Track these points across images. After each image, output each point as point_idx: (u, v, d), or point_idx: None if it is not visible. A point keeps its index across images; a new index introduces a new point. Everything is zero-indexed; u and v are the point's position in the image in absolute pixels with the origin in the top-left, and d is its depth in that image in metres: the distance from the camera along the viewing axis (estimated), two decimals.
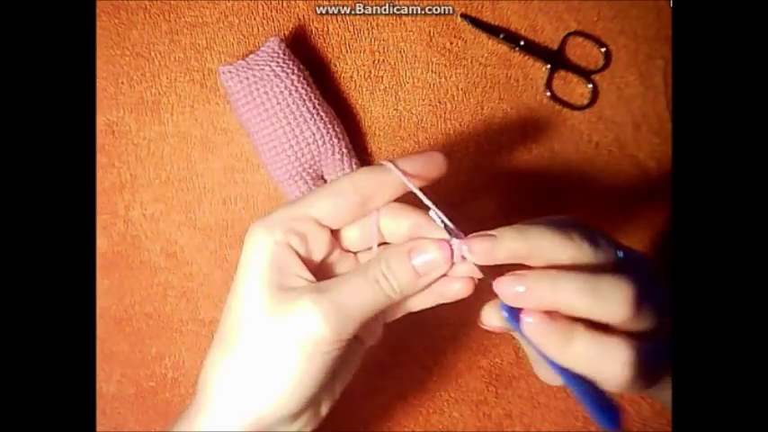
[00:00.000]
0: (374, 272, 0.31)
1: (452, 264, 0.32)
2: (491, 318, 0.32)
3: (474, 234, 0.31)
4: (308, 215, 0.32)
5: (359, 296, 0.30)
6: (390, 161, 0.32)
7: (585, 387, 0.29)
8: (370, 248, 0.34)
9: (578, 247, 0.29)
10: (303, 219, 0.32)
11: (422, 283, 0.32)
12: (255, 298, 0.31)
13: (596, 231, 0.31)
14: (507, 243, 0.30)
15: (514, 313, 0.30)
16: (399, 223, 0.33)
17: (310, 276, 0.31)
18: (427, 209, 0.32)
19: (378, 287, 0.31)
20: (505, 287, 0.30)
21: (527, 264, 0.31)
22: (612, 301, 0.28)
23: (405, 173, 0.32)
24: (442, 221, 0.31)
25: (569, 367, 0.29)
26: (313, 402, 0.31)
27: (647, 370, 0.29)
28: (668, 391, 0.32)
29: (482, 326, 0.33)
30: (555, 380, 0.31)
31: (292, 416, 0.31)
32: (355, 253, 0.35)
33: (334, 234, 0.34)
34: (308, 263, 0.32)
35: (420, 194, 0.32)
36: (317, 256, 0.33)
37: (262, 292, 0.31)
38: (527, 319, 0.29)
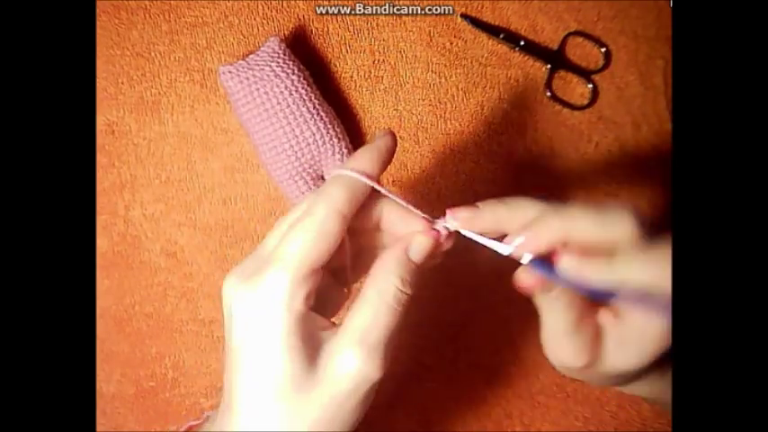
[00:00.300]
0: (393, 293, 0.30)
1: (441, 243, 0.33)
2: (526, 277, 0.31)
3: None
4: (311, 270, 0.30)
5: (389, 324, 0.30)
6: (348, 168, 0.31)
7: (639, 295, 0.30)
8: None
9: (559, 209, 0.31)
10: (309, 275, 0.30)
11: (421, 270, 0.32)
12: (287, 372, 0.29)
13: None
14: (489, 208, 0.31)
15: (545, 265, 0.30)
16: (369, 214, 0.33)
17: (326, 322, 0.31)
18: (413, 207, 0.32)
19: (398, 305, 0.30)
20: (525, 242, 0.31)
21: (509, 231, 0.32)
22: (619, 220, 0.30)
23: (369, 176, 0.31)
24: (423, 214, 0.32)
25: (620, 282, 0.30)
26: None
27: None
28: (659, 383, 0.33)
29: (521, 289, 0.32)
30: (571, 359, 0.32)
31: None
32: None
33: None
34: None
35: (391, 195, 0.32)
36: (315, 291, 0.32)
37: (294, 364, 0.29)
38: (566, 258, 0.30)
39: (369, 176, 0.31)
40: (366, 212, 0.32)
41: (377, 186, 0.31)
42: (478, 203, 0.32)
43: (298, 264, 0.29)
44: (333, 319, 0.32)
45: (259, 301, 0.29)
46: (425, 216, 0.32)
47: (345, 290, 0.36)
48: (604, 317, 0.32)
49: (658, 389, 0.35)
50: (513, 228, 0.32)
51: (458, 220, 0.32)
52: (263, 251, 0.31)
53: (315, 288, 0.30)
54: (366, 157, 0.32)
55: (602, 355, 0.32)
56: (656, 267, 0.29)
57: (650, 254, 0.30)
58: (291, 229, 0.30)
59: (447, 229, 0.32)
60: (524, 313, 0.51)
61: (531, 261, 0.31)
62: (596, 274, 0.30)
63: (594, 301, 0.32)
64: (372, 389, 0.30)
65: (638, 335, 0.31)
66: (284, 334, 0.29)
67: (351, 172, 0.31)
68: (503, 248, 0.31)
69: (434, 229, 0.32)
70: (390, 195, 0.32)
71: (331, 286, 0.35)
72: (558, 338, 0.32)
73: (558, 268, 0.30)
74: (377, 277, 0.31)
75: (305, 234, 0.29)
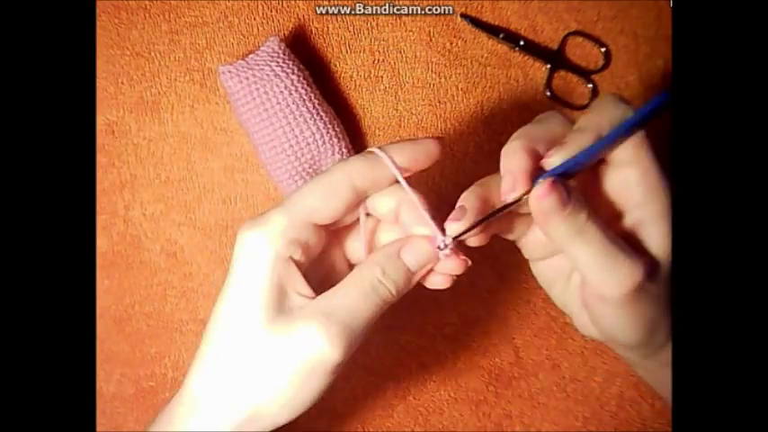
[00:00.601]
0: (370, 280, 0.30)
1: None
2: (542, 191, 0.29)
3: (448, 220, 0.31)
4: (305, 220, 0.31)
5: (361, 311, 0.30)
6: (381, 148, 0.31)
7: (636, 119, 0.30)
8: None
9: None
10: (301, 225, 0.31)
11: (414, 280, 0.32)
12: (254, 312, 0.30)
13: None
14: (472, 199, 0.31)
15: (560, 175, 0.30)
16: (388, 199, 0.32)
17: (309, 292, 0.31)
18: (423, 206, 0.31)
19: (376, 296, 0.30)
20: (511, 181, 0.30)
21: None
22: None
23: (395, 162, 0.31)
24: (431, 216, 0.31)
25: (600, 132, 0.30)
26: None
27: None
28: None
29: (544, 208, 0.29)
30: (626, 278, 0.30)
31: (280, 425, 0.31)
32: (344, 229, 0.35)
33: (334, 233, 0.34)
34: (305, 264, 0.32)
35: (407, 188, 0.31)
36: (314, 255, 0.33)
37: (261, 308, 0.30)
38: (549, 154, 0.30)
39: (397, 166, 0.31)
40: (385, 201, 0.32)
41: (397, 175, 0.31)
42: (462, 203, 0.31)
43: (298, 211, 0.31)
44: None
45: (254, 236, 0.30)
46: (434, 223, 0.31)
47: None
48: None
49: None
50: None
51: (455, 233, 0.31)
52: None
53: (311, 246, 0.31)
54: (403, 148, 0.32)
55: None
56: (608, 108, 0.30)
57: (595, 106, 0.31)
58: (305, 184, 0.32)
59: (444, 243, 0.31)
60: (524, 313, 0.51)
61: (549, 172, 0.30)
62: (577, 146, 0.29)
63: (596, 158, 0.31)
64: (328, 368, 0.30)
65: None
66: (264, 268, 0.30)
67: (381, 153, 0.31)
68: (510, 197, 0.30)
69: (437, 247, 0.31)
70: (408, 190, 0.31)
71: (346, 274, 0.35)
72: (604, 264, 0.30)
73: (549, 168, 0.30)
74: (363, 263, 0.31)
75: (311, 188, 0.31)
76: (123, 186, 0.49)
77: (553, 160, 0.30)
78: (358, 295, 0.30)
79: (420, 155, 0.32)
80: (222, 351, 0.31)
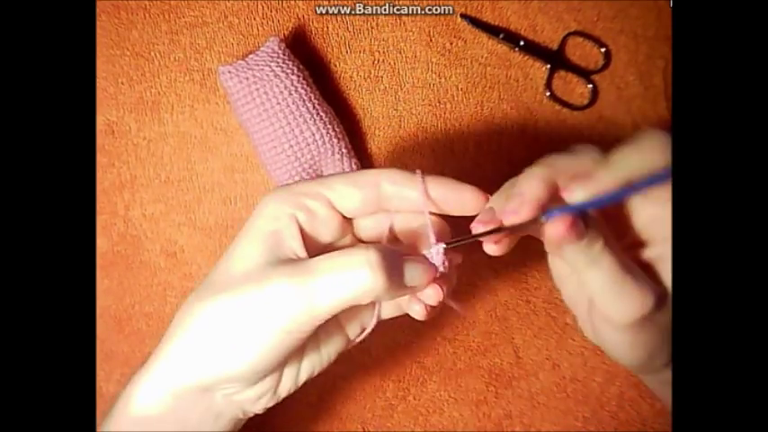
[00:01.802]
0: (362, 261, 0.29)
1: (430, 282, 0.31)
2: (557, 227, 0.29)
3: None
4: (322, 194, 0.32)
5: (338, 283, 0.29)
6: (422, 174, 0.32)
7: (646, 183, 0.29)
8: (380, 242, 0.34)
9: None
10: (316, 197, 0.32)
11: (401, 293, 0.31)
12: (246, 260, 0.31)
13: None
14: (499, 199, 0.31)
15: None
16: (405, 198, 0.32)
17: (303, 252, 0.31)
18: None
19: (361, 279, 0.29)
20: (520, 204, 0.30)
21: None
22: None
23: (428, 190, 0.31)
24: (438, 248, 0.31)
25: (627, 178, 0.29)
26: (271, 378, 0.32)
27: None
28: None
29: (558, 241, 0.29)
30: (637, 305, 0.30)
31: (247, 383, 0.31)
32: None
33: (349, 221, 0.34)
34: (312, 242, 0.32)
35: (428, 221, 0.31)
36: (325, 238, 0.33)
37: (254, 257, 0.31)
38: (572, 187, 0.29)
39: (428, 195, 0.31)
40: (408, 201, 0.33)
41: (422, 198, 0.31)
42: (489, 203, 0.32)
43: (317, 182, 0.32)
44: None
45: (268, 196, 0.32)
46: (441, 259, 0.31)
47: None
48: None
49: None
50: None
51: (482, 225, 0.31)
52: None
53: (318, 216, 0.32)
54: (444, 184, 0.32)
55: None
56: (648, 149, 0.30)
57: (636, 143, 0.30)
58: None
59: (439, 252, 0.31)
60: (524, 313, 0.51)
61: (548, 216, 0.29)
62: (604, 185, 0.29)
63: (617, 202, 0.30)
64: (284, 329, 0.29)
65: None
66: (262, 217, 0.31)
67: (419, 176, 0.32)
68: (509, 220, 0.30)
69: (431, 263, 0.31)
70: (427, 217, 0.32)
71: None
72: (615, 291, 0.30)
73: (571, 202, 0.29)
74: (360, 245, 0.31)
75: (344, 174, 0.34)
76: (123, 186, 0.49)
77: (576, 196, 0.29)
78: (341, 264, 0.29)
79: (455, 198, 0.32)
80: (212, 290, 0.31)
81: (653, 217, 0.31)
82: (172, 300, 0.49)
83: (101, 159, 0.49)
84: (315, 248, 0.32)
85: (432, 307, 0.32)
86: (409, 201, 0.32)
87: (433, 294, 0.31)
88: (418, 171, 0.32)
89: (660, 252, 0.32)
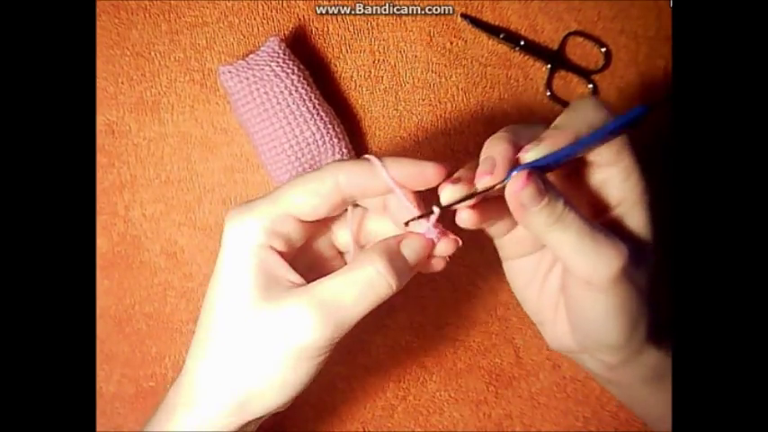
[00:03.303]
0: (370, 276, 0.30)
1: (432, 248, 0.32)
2: (515, 183, 0.29)
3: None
4: (287, 213, 0.31)
5: (357, 305, 0.30)
6: (378, 158, 0.32)
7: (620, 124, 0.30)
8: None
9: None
10: (283, 218, 0.31)
11: (413, 272, 0.32)
12: (242, 298, 0.30)
13: None
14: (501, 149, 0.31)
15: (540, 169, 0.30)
16: (367, 188, 0.32)
17: (298, 278, 0.31)
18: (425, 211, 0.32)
19: (373, 292, 0.30)
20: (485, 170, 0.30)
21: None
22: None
23: (388, 171, 0.31)
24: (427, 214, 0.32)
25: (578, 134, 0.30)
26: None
27: None
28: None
29: (518, 200, 0.30)
30: (608, 262, 0.30)
31: (279, 409, 0.32)
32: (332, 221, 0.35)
33: (323, 221, 0.34)
34: (289, 254, 0.32)
35: (405, 200, 0.32)
36: (297, 244, 0.33)
37: (248, 293, 0.30)
38: (527, 148, 0.30)
39: (391, 177, 0.31)
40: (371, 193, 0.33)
41: (387, 179, 0.31)
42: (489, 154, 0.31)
43: (281, 204, 0.31)
44: None
45: (237, 225, 0.31)
46: (418, 211, 0.32)
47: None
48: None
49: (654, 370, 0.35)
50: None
51: (464, 222, 0.31)
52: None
53: (294, 239, 0.32)
54: (400, 162, 0.32)
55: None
56: (583, 109, 0.31)
57: (572, 107, 0.31)
58: (293, 179, 0.32)
59: (435, 213, 0.32)
60: (525, 313, 0.51)
61: (507, 178, 0.30)
62: (552, 143, 0.30)
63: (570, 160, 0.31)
64: (304, 353, 0.30)
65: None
66: (245, 259, 0.31)
67: (375, 160, 0.31)
68: (483, 181, 0.30)
69: (428, 237, 0.32)
70: (393, 186, 0.32)
71: (335, 261, 0.36)
72: (588, 247, 0.30)
73: (524, 161, 0.30)
74: (363, 258, 0.31)
75: (298, 183, 0.31)
76: (123, 186, 0.49)
77: (529, 155, 0.30)
78: (355, 289, 0.30)
79: (416, 174, 0.31)
80: (213, 336, 0.31)
81: (603, 181, 0.32)
82: (172, 300, 0.49)
83: (101, 159, 0.49)
84: (296, 255, 0.33)
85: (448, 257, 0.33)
86: (372, 189, 0.32)
87: (449, 246, 0.32)
88: (370, 157, 0.31)
89: (619, 212, 0.32)
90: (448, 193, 0.31)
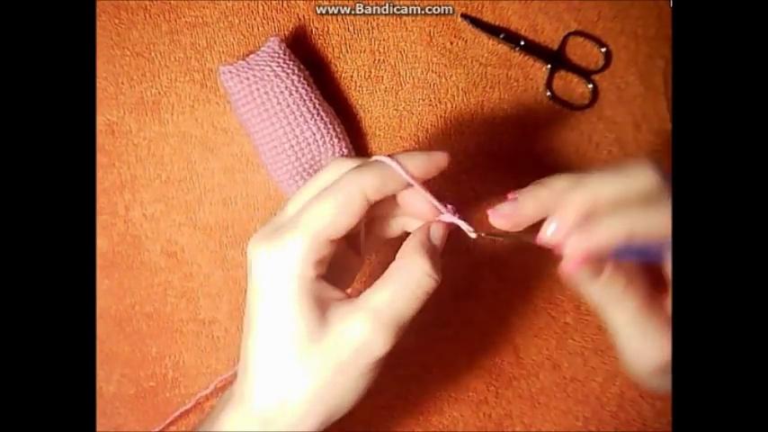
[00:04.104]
0: (418, 278, 0.31)
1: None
2: (571, 260, 0.30)
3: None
4: (320, 239, 0.31)
5: (410, 308, 0.31)
6: (391, 157, 0.32)
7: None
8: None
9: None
10: (323, 244, 0.31)
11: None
12: (297, 331, 0.30)
13: None
14: (529, 195, 0.31)
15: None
16: (391, 190, 0.33)
17: (340, 293, 0.32)
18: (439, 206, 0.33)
19: (422, 291, 0.31)
20: (557, 227, 0.31)
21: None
22: (641, 173, 0.30)
23: (406, 168, 0.32)
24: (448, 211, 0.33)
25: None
26: None
27: None
28: None
29: (570, 274, 0.30)
30: (657, 350, 0.30)
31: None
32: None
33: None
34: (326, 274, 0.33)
35: (422, 191, 0.33)
36: (328, 260, 0.33)
37: (302, 326, 0.30)
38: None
39: (410, 174, 0.32)
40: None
41: (410, 180, 0.32)
42: (516, 195, 0.32)
43: (315, 232, 0.30)
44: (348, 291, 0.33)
45: (275, 263, 0.30)
46: (437, 205, 0.33)
47: (360, 259, 0.37)
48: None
49: None
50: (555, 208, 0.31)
51: (502, 218, 0.32)
52: (283, 216, 0.33)
53: (329, 257, 0.32)
54: (414, 156, 0.32)
55: None
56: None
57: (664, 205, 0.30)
58: (317, 198, 0.31)
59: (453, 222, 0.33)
60: (524, 313, 0.51)
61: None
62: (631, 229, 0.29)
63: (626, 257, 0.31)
64: (375, 364, 0.31)
65: None
66: (294, 295, 0.30)
67: (391, 161, 0.32)
68: (532, 238, 0.31)
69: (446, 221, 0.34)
70: (419, 188, 0.32)
71: (346, 254, 0.36)
72: (637, 331, 0.30)
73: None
74: (407, 259, 0.32)
75: (328, 206, 0.31)
76: (123, 186, 0.49)
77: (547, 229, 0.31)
78: (406, 293, 0.31)
79: (429, 163, 0.32)
80: (275, 366, 0.31)
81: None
82: (172, 300, 0.49)
83: (101, 159, 0.50)
84: (335, 266, 0.33)
85: None
86: (392, 189, 0.32)
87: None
88: (384, 158, 0.32)
89: None
90: (499, 222, 0.32)
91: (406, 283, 0.31)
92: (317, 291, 0.31)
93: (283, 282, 0.30)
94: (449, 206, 0.34)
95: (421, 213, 0.34)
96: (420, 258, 0.31)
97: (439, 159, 0.32)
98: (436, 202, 0.33)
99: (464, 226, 0.33)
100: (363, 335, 0.30)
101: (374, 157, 0.32)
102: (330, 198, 0.31)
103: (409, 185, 0.32)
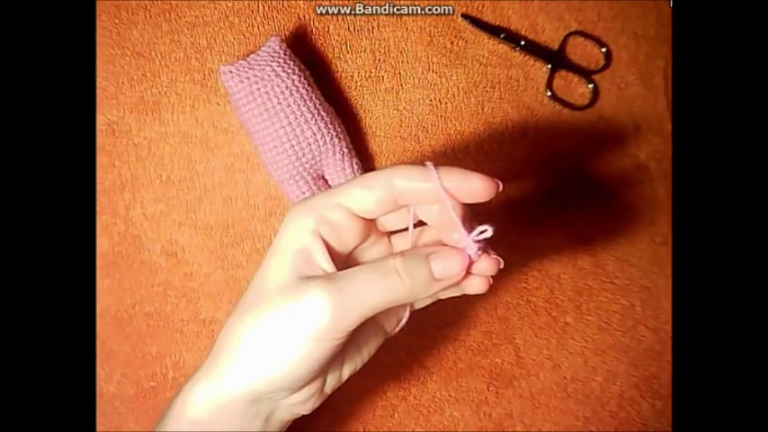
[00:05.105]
0: (386, 267, 0.31)
1: (468, 272, 0.32)
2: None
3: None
4: (341, 205, 0.32)
5: (369, 291, 0.31)
6: (434, 166, 0.32)
7: None
8: (405, 229, 0.35)
9: None
10: (335, 209, 0.32)
11: (436, 287, 0.32)
12: (277, 278, 0.32)
13: None
14: None
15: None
16: (419, 192, 0.33)
17: (331, 267, 0.32)
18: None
19: (390, 286, 0.31)
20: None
21: None
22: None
23: (444, 185, 0.31)
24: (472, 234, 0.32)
25: None
26: (316, 382, 0.33)
27: None
28: None
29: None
30: None
31: (292, 390, 0.32)
32: (390, 235, 0.36)
33: (371, 220, 0.34)
34: (339, 250, 0.33)
35: (450, 209, 0.31)
36: (350, 245, 0.34)
37: (283, 274, 0.32)
38: None
39: (445, 189, 0.31)
40: (428, 207, 0.34)
41: (438, 187, 0.31)
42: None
43: (333, 193, 0.33)
44: None
45: (292, 210, 0.33)
46: (463, 229, 0.32)
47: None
48: None
49: None
50: None
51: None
52: None
53: (340, 227, 0.33)
54: (454, 173, 0.32)
55: None
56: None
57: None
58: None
59: (477, 243, 0.32)
60: (525, 313, 0.51)
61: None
62: None
63: None
64: (321, 339, 0.30)
65: None
66: (289, 236, 0.32)
67: (431, 166, 0.32)
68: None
69: (464, 252, 0.32)
70: (444, 197, 0.32)
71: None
72: None
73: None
74: (390, 254, 0.32)
75: (356, 179, 0.33)
76: (124, 186, 0.49)
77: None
78: (371, 276, 0.31)
79: (465, 186, 0.32)
80: (250, 309, 0.32)
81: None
82: (172, 300, 0.49)
83: (101, 159, 0.50)
84: (343, 255, 0.34)
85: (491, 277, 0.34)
86: (423, 194, 0.32)
87: (490, 266, 0.33)
88: (429, 163, 0.32)
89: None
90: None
91: (374, 271, 0.31)
92: (311, 249, 0.32)
93: (290, 227, 0.32)
94: (477, 229, 0.32)
95: (443, 231, 0.33)
96: (399, 256, 0.31)
97: (475, 184, 0.31)
98: (455, 218, 0.32)
99: (472, 250, 0.32)
100: (312, 304, 0.30)
101: (423, 162, 0.32)
102: (361, 176, 0.33)
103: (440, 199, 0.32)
